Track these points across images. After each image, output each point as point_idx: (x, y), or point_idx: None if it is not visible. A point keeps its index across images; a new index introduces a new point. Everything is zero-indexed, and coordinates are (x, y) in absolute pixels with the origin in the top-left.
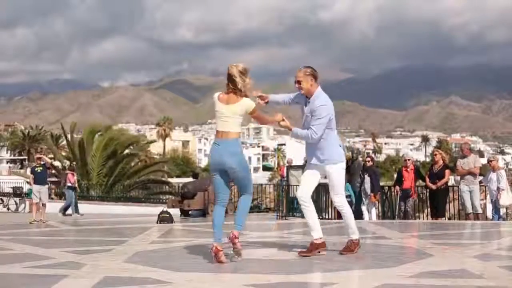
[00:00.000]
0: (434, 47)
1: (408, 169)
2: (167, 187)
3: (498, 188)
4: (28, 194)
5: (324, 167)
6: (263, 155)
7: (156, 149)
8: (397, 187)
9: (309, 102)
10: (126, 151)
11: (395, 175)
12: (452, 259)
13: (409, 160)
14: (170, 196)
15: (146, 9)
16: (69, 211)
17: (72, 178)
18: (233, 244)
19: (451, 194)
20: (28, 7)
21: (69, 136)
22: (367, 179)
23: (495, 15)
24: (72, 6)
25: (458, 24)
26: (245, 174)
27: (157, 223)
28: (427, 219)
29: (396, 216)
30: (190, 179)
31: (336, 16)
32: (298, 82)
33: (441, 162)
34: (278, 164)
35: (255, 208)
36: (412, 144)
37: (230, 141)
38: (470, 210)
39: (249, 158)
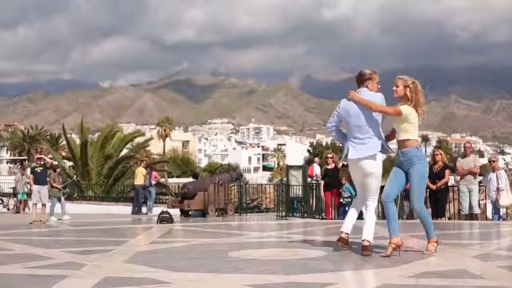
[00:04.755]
0: (435, 46)
1: None
2: (164, 189)
3: (497, 189)
4: (16, 194)
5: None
6: (263, 155)
7: (156, 149)
8: None
9: None
10: (125, 150)
11: None
12: (452, 259)
13: None
14: (170, 197)
15: (146, 8)
16: (144, 210)
17: (158, 176)
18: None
19: (451, 194)
20: (29, 7)
21: (68, 136)
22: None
23: (497, 14)
24: (73, 6)
25: (459, 24)
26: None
27: (157, 223)
28: None
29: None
30: (190, 179)
31: (338, 15)
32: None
33: (441, 162)
34: (278, 164)
35: (255, 208)
36: None
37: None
38: (466, 211)
39: (249, 158)
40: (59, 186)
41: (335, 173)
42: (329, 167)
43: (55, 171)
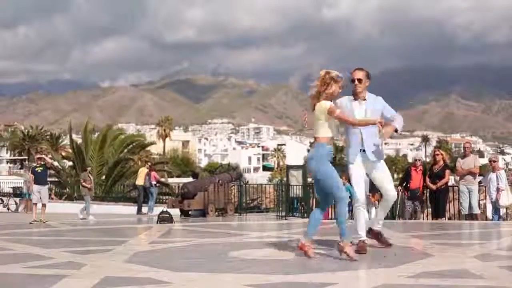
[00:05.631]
0: (435, 46)
1: (417, 169)
2: (166, 189)
3: (497, 189)
4: (25, 194)
5: (378, 162)
6: (263, 155)
7: (156, 149)
8: (400, 187)
9: (364, 99)
10: (125, 151)
11: (399, 175)
12: (452, 259)
13: (419, 160)
14: (170, 196)
15: (146, 8)
16: (145, 209)
17: (157, 177)
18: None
19: (451, 194)
20: (29, 7)
21: (74, 136)
22: (366, 179)
23: (497, 15)
24: (73, 6)
25: (460, 24)
26: (325, 181)
27: (157, 223)
28: (427, 219)
29: (397, 216)
30: (190, 179)
31: (338, 15)
32: (359, 80)
33: (441, 162)
34: (278, 164)
35: (255, 208)
36: (412, 144)
37: (314, 146)
38: (466, 211)
39: (249, 158)
40: (89, 186)
41: None
42: None
43: (85, 170)
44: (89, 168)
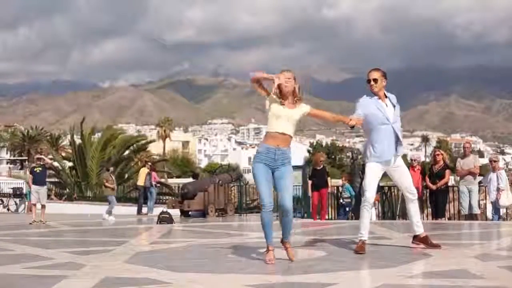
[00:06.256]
0: (435, 47)
1: (415, 169)
2: (166, 189)
3: (498, 189)
4: (27, 195)
5: (396, 160)
6: None
7: (156, 149)
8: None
9: (388, 98)
10: (126, 152)
11: None
12: (452, 259)
13: (415, 160)
14: (170, 197)
15: (147, 8)
16: (144, 210)
17: (157, 178)
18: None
19: (451, 194)
20: (29, 7)
21: (74, 137)
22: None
23: (497, 15)
24: (73, 6)
25: (460, 24)
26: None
27: (157, 223)
28: (427, 219)
29: (397, 216)
30: (190, 180)
31: (339, 15)
32: (375, 80)
33: (442, 162)
34: None
35: (255, 209)
36: (412, 144)
37: None
38: (466, 211)
39: (249, 158)
40: (112, 186)
41: (322, 174)
42: (318, 168)
43: (108, 170)
44: (111, 168)
